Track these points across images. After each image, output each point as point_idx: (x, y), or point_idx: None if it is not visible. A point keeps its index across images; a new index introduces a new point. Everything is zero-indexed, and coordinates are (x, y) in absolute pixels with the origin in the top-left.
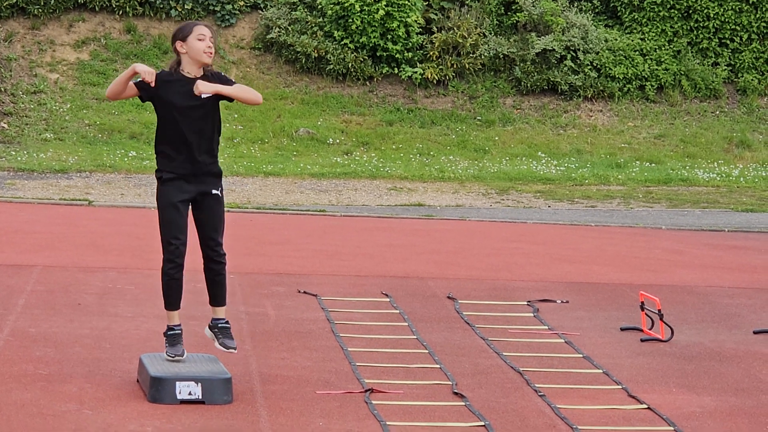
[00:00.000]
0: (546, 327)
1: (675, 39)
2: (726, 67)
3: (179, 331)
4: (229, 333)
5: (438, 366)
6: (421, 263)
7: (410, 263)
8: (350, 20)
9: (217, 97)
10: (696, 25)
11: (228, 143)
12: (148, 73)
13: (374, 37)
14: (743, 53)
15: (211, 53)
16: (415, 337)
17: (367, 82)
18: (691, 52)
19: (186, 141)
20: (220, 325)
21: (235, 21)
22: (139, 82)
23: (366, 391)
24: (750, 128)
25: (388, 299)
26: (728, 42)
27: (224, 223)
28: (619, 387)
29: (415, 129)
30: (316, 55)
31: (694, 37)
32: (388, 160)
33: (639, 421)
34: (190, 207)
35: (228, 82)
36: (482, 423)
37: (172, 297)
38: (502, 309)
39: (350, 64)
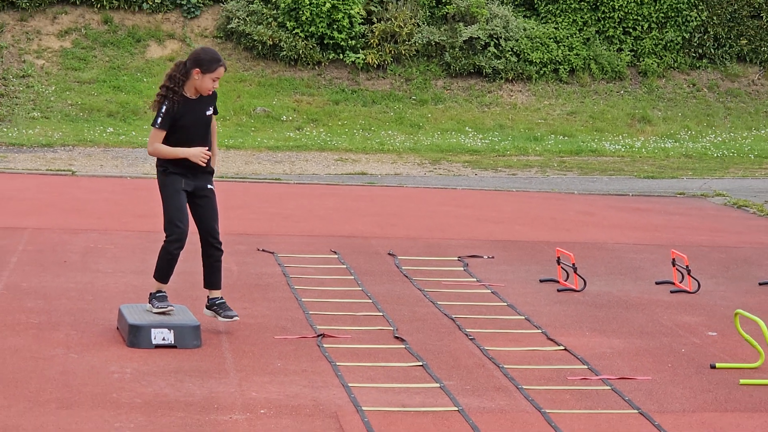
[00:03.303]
0: (474, 279)
1: (585, 28)
2: (629, 53)
3: (166, 293)
4: (227, 306)
5: (381, 314)
6: (364, 224)
7: (355, 224)
8: (301, 12)
9: (214, 112)
10: (603, 16)
11: None
12: (202, 158)
13: (322, 26)
14: (644, 40)
15: (211, 91)
16: (360, 288)
17: (316, 67)
18: (599, 40)
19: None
20: (218, 302)
21: (199, 13)
22: (164, 127)
23: (318, 336)
24: (650, 106)
25: (336, 256)
26: (631, 30)
27: (218, 216)
28: (539, 331)
29: (358, 107)
30: (271, 42)
31: (602, 26)
32: (335, 135)
33: (557, 361)
34: (191, 201)
35: (215, 96)
36: (420, 363)
37: (167, 272)
38: (436, 264)
39: (301, 51)
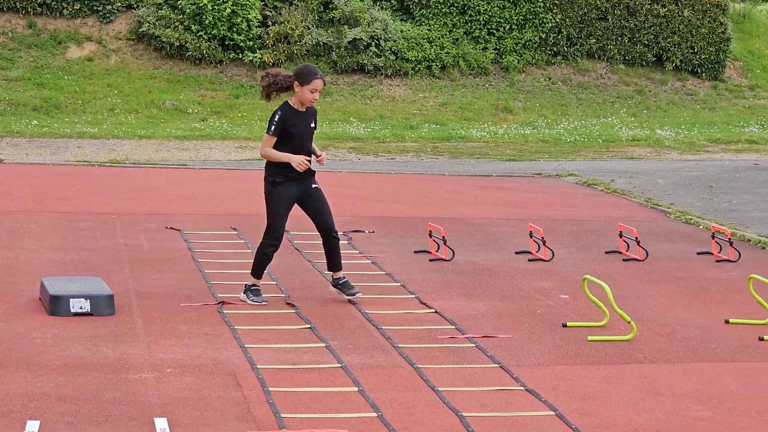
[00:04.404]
0: (357, 251)
1: (454, 29)
2: (493, 51)
3: (260, 287)
4: (348, 284)
5: (274, 282)
6: (261, 204)
7: (253, 204)
8: (204, 16)
9: (315, 125)
10: (470, 19)
11: (110, 113)
12: (302, 164)
13: (223, 29)
14: (506, 40)
15: (312, 102)
16: (256, 254)
17: (218, 65)
18: (466, 40)
19: (298, 154)
20: (341, 282)
21: (114, 18)
22: (276, 133)
23: (219, 303)
24: (511, 97)
25: (235, 232)
26: (495, 31)
27: (330, 208)
28: (413, 296)
29: (255, 101)
30: (178, 44)
31: (469, 28)
32: (236, 125)
33: (428, 322)
34: (301, 203)
35: (315, 113)
36: (308, 326)
37: (261, 269)
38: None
39: (205, 51)
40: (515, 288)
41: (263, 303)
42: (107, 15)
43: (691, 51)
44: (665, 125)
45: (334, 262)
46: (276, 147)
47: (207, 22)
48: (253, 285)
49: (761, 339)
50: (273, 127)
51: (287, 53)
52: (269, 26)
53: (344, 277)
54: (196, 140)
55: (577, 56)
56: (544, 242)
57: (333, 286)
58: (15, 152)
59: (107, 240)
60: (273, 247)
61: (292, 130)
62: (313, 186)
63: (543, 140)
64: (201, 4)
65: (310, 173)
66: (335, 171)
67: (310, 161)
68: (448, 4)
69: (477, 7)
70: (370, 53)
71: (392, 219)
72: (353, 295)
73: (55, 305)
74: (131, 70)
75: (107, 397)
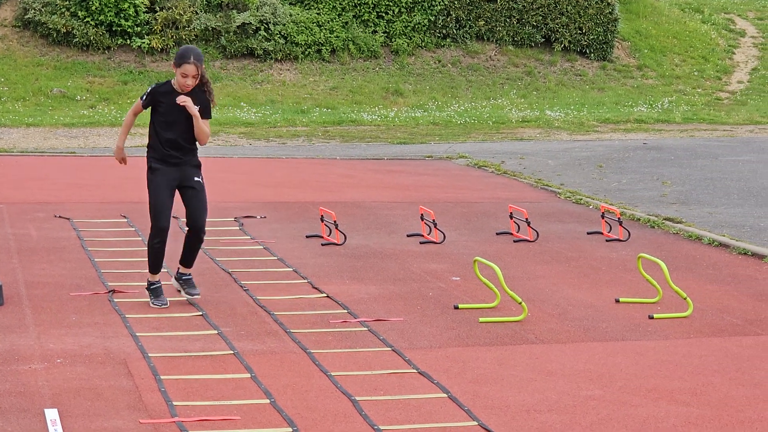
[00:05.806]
0: (249, 237)
1: (343, 13)
2: (383, 34)
3: (160, 285)
4: (192, 283)
5: (165, 270)
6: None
7: (142, 191)
8: (91, 2)
9: (205, 114)
10: (359, 2)
11: None
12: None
13: (110, 15)
14: (395, 23)
15: (187, 87)
16: (146, 248)
17: (106, 51)
18: (356, 23)
19: (169, 137)
20: (184, 278)
21: None
22: (144, 102)
23: (109, 291)
24: (402, 80)
25: (126, 220)
26: (384, 14)
27: (207, 207)
28: (305, 281)
29: (144, 87)
30: (65, 30)
31: (358, 11)
32: (124, 112)
33: (321, 306)
34: (178, 193)
35: (210, 99)
36: (200, 313)
37: (153, 263)
38: (215, 224)
39: (92, 38)
40: (407, 271)
41: (163, 306)
42: None
43: (579, 32)
44: (555, 106)
45: (188, 258)
46: (151, 119)
47: (94, 8)
48: (152, 284)
49: (651, 317)
50: (144, 96)
51: (176, 39)
52: (157, 11)
53: (190, 275)
54: (85, 127)
55: (467, 38)
56: (435, 225)
57: (176, 279)
58: None
59: None
60: (157, 240)
61: (159, 109)
62: (195, 179)
63: (433, 123)
64: None
65: (192, 164)
66: (226, 157)
67: (125, 163)
68: None
69: None
70: (260, 37)
71: (284, 204)
72: (193, 296)
73: None
74: (17, 58)
75: None
